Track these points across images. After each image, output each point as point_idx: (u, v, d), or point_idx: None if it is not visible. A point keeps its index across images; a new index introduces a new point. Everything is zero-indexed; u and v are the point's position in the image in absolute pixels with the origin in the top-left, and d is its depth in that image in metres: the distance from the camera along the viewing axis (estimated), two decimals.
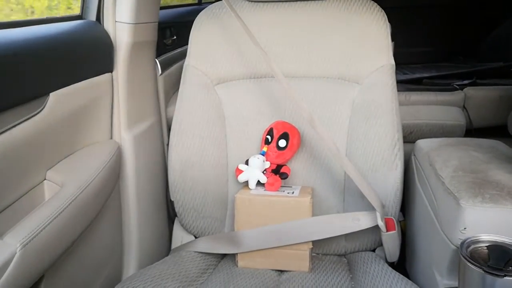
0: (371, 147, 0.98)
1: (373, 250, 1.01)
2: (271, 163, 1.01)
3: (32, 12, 1.07)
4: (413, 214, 1.05)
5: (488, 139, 1.02)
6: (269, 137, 1.01)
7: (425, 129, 1.55)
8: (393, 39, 1.06)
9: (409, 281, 0.85)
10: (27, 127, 0.75)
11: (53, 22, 0.91)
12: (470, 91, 1.64)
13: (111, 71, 1.00)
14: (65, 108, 0.85)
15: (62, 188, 0.80)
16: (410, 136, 1.54)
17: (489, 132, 1.51)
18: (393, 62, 1.03)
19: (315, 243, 0.95)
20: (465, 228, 0.74)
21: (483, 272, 0.66)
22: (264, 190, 0.98)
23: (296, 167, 1.04)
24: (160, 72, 1.19)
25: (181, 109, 1.06)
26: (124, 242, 1.05)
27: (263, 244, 0.94)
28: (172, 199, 1.04)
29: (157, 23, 1.11)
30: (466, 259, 0.68)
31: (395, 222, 0.94)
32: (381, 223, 0.90)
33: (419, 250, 0.99)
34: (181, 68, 1.11)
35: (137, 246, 1.07)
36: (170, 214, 1.15)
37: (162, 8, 1.15)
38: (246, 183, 1.00)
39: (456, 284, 0.75)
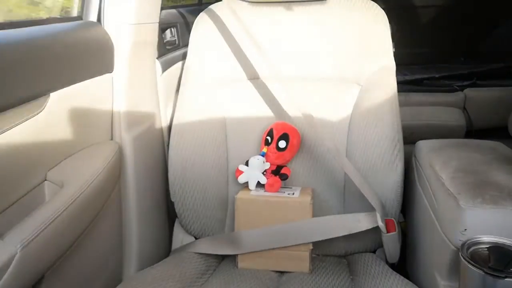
0: (371, 148, 0.98)
1: (374, 251, 1.01)
2: (271, 164, 1.01)
3: None
4: (413, 215, 1.04)
5: (489, 140, 1.02)
6: (269, 138, 1.01)
7: (426, 130, 1.55)
8: (393, 39, 1.06)
9: (409, 282, 0.85)
10: (27, 127, 0.75)
11: (53, 23, 0.91)
12: (470, 92, 1.64)
13: (112, 72, 0.99)
14: (65, 109, 0.85)
15: (62, 188, 0.79)
16: (410, 137, 1.54)
17: (490, 133, 1.51)
18: (393, 63, 1.03)
19: (315, 244, 0.95)
20: (465, 229, 0.74)
21: (483, 273, 0.66)
22: (264, 191, 0.98)
23: (296, 168, 1.04)
24: (160, 72, 1.18)
25: (182, 110, 1.06)
26: (124, 243, 1.05)
27: (263, 245, 0.94)
28: (173, 200, 1.04)
29: (157, 23, 1.11)
30: (466, 260, 0.68)
31: (395, 223, 0.94)
32: (381, 224, 0.90)
33: (419, 252, 0.99)
34: (181, 68, 1.11)
35: (137, 247, 1.06)
36: (170, 215, 1.15)
37: (162, 8, 1.15)
38: (246, 184, 1.00)
39: (456, 285, 0.75)
